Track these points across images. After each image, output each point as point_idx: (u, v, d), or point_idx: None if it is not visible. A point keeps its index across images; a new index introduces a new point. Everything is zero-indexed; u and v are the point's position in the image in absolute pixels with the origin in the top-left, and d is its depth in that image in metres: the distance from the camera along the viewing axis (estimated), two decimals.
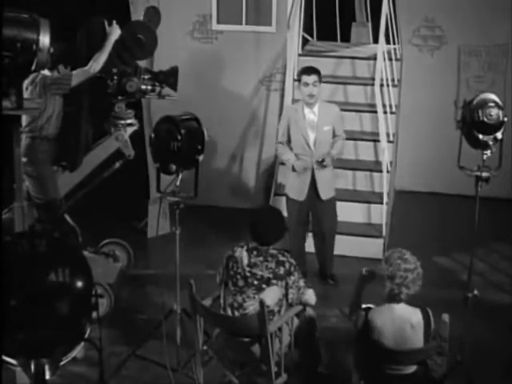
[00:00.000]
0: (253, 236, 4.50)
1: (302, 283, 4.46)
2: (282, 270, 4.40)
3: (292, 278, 4.41)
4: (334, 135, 6.13)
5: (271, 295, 4.36)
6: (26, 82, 5.25)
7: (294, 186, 6.17)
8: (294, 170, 6.05)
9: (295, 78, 7.71)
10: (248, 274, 4.42)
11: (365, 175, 7.32)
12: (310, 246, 6.48)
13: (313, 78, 5.93)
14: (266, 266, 4.41)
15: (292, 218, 6.21)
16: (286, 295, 4.44)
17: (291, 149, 6.13)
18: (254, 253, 4.46)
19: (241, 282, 4.44)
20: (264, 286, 4.38)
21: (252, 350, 4.37)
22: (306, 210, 6.23)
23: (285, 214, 6.42)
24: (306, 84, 5.93)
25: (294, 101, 7.59)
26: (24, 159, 5.14)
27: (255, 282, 4.40)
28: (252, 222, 4.54)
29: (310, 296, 4.52)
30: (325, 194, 6.13)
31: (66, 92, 5.40)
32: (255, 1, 7.73)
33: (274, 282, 4.38)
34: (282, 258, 4.45)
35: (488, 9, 7.98)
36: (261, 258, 4.43)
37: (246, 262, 4.44)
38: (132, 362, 5.05)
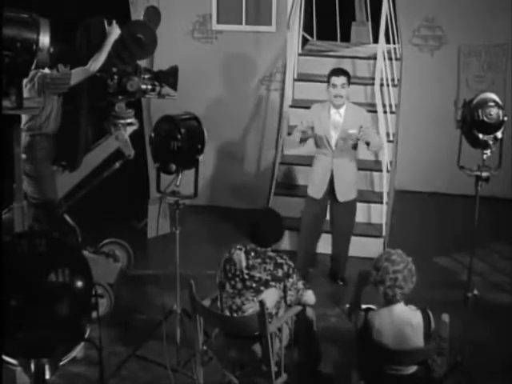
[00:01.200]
0: (252, 237, 4.49)
1: (300, 285, 4.44)
2: (280, 273, 4.37)
3: (290, 280, 4.39)
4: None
5: (270, 297, 4.34)
6: (24, 80, 5.25)
7: (315, 185, 6.15)
8: (301, 140, 6.00)
9: (295, 77, 7.71)
10: (246, 277, 4.39)
11: (365, 175, 7.31)
12: (321, 246, 6.48)
13: (341, 79, 5.90)
14: (265, 268, 4.38)
15: (307, 215, 6.21)
16: (284, 297, 4.43)
17: (316, 143, 6.11)
18: (252, 254, 4.43)
19: (239, 285, 4.41)
20: (262, 288, 4.35)
21: (252, 349, 4.36)
22: (322, 210, 6.21)
23: (285, 214, 6.45)
24: (334, 85, 5.90)
25: (295, 100, 7.60)
26: (23, 156, 5.13)
27: (253, 285, 4.37)
28: (251, 224, 4.52)
29: (309, 297, 4.51)
30: (342, 195, 6.09)
31: (65, 91, 5.40)
32: (255, 1, 7.73)
33: (272, 284, 4.36)
34: (280, 261, 4.41)
35: (488, 9, 7.98)
36: (259, 260, 4.41)
37: (244, 264, 4.41)
38: (132, 362, 5.05)
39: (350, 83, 6.01)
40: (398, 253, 3.88)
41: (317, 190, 6.12)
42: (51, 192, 5.56)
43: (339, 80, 5.91)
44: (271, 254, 4.45)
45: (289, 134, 7.04)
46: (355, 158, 6.19)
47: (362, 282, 4.03)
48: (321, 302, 5.81)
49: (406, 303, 3.91)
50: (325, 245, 6.46)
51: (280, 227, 4.58)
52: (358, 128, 5.94)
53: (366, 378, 4.08)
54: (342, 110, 6.00)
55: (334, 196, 6.10)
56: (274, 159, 7.76)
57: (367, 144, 5.90)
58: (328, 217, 6.35)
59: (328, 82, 5.99)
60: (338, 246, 6.37)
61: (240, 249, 4.49)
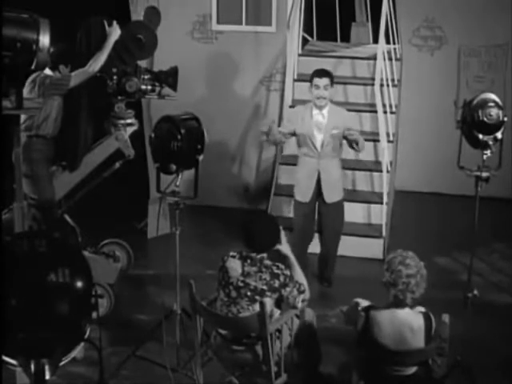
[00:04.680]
0: (246, 242, 4.39)
1: (295, 292, 4.39)
2: (276, 283, 4.29)
3: (287, 289, 4.32)
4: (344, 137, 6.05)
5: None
6: (27, 81, 5.27)
7: (301, 188, 6.13)
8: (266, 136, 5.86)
9: (295, 78, 7.71)
10: (241, 284, 4.31)
11: (365, 175, 7.32)
12: (311, 246, 6.47)
13: (324, 81, 5.88)
14: (260, 277, 4.30)
15: (298, 219, 6.18)
16: (279, 306, 4.42)
17: (299, 146, 6.10)
18: (248, 261, 4.35)
19: (233, 293, 4.34)
20: (257, 297, 4.27)
21: (252, 350, 4.36)
22: (311, 211, 6.18)
23: (286, 214, 6.45)
24: (317, 87, 5.89)
25: (295, 101, 7.60)
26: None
27: (248, 293, 4.30)
28: (245, 228, 4.42)
29: (305, 294, 4.47)
30: (330, 197, 6.08)
31: (64, 92, 5.41)
32: (255, 1, 7.73)
33: (268, 294, 4.29)
34: (276, 271, 4.32)
35: (488, 9, 7.98)
36: (255, 269, 4.33)
37: (239, 271, 4.36)
38: (132, 362, 5.05)
39: (333, 84, 5.97)
40: (412, 256, 3.86)
41: (304, 194, 6.09)
42: (48, 192, 5.55)
43: (322, 81, 5.89)
44: (267, 262, 4.36)
45: None
46: (340, 158, 6.17)
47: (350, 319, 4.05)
48: (320, 302, 5.84)
49: (413, 304, 3.91)
50: (313, 245, 6.43)
51: (275, 232, 4.44)
52: (341, 128, 5.92)
53: (366, 378, 4.08)
54: (325, 111, 5.98)
55: (321, 198, 6.08)
56: (273, 159, 7.77)
57: (355, 143, 5.88)
58: (316, 217, 6.31)
59: (311, 82, 5.99)
60: (327, 247, 6.34)
61: (233, 256, 4.41)
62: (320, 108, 5.96)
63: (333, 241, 6.32)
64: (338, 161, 6.12)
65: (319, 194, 6.07)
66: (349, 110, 7.37)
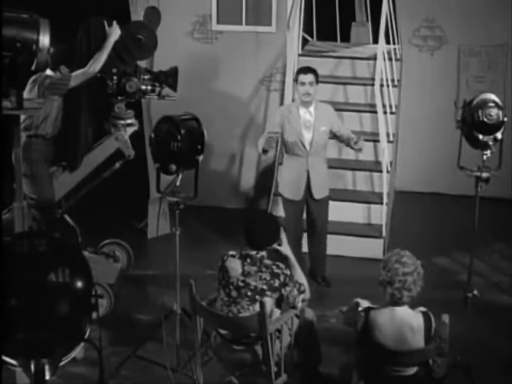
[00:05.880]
0: (246, 239, 4.42)
1: (295, 291, 4.40)
2: (277, 283, 4.31)
3: (287, 288, 4.34)
4: (334, 135, 6.11)
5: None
6: (29, 81, 5.28)
7: (290, 186, 6.14)
8: (263, 151, 5.91)
9: (295, 78, 7.71)
10: (241, 284, 4.32)
11: (364, 175, 7.31)
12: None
13: (309, 77, 5.91)
14: (260, 277, 4.31)
15: (289, 218, 6.18)
16: (279, 306, 4.43)
17: (285, 146, 6.12)
18: (248, 261, 4.36)
19: (234, 293, 4.35)
20: (258, 297, 4.28)
21: (252, 350, 4.36)
22: (301, 209, 6.21)
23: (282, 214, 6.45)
24: (303, 83, 5.92)
25: (295, 101, 7.60)
26: None
27: (249, 293, 4.30)
28: (245, 225, 4.46)
29: (305, 294, 4.48)
30: (318, 193, 6.11)
31: (64, 92, 5.41)
32: (255, 1, 7.72)
33: (268, 293, 4.30)
34: (276, 270, 4.34)
35: (488, 9, 7.98)
36: (255, 268, 4.34)
37: (239, 270, 4.37)
38: (132, 362, 5.05)
39: (318, 81, 6.00)
40: (408, 255, 3.86)
41: (295, 192, 6.10)
42: (48, 193, 5.56)
43: (307, 78, 5.91)
44: (267, 262, 4.37)
45: None
46: (325, 155, 6.19)
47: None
48: (320, 302, 5.84)
49: (409, 306, 3.90)
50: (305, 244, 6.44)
51: (275, 229, 4.48)
52: (329, 126, 5.97)
53: (366, 378, 4.08)
54: (312, 109, 6.01)
55: (310, 194, 6.10)
56: (273, 159, 7.76)
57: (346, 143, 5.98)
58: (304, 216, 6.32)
59: (296, 80, 6.01)
60: (318, 245, 6.34)
61: (233, 255, 4.43)
62: (306, 105, 5.98)
63: (324, 238, 6.34)
64: (324, 157, 6.16)
65: (308, 191, 6.10)
66: (349, 110, 7.42)
